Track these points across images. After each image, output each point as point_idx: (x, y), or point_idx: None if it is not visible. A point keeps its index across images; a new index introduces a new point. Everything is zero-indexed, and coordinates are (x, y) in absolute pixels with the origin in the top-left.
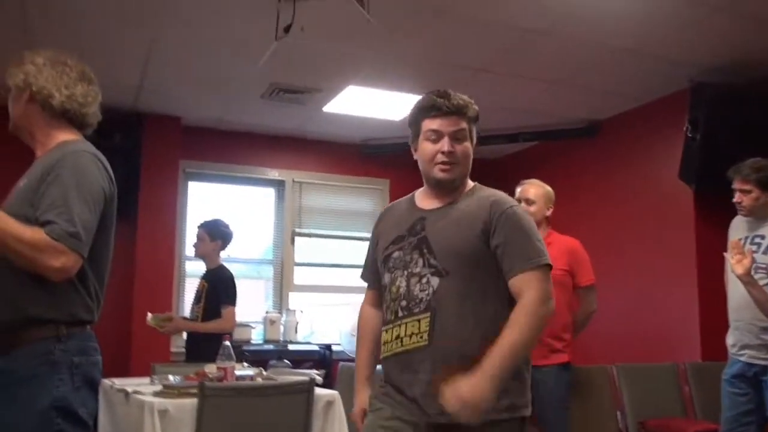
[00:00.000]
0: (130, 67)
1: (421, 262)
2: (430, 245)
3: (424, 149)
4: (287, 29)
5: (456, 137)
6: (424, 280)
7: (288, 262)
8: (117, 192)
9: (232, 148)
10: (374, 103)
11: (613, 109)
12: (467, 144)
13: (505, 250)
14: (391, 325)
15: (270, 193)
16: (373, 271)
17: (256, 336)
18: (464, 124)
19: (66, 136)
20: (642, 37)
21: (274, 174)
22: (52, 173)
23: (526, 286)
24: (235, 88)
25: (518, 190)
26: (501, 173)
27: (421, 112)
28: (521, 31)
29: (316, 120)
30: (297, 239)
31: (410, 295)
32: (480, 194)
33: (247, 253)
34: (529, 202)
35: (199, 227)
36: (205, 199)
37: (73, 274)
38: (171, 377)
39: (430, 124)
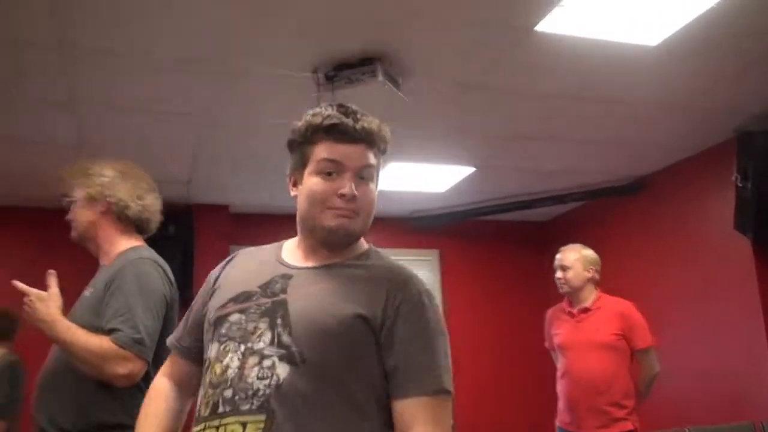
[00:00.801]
0: (181, 163)
1: (269, 336)
2: (287, 315)
3: (313, 186)
4: None
5: (362, 175)
6: (267, 363)
7: None
8: (177, 290)
9: (280, 231)
10: (418, 177)
11: (658, 164)
12: (373, 187)
13: (399, 360)
14: (202, 425)
15: None
16: (190, 333)
17: None
18: (373, 159)
19: (130, 242)
20: (683, 92)
21: None
22: (115, 282)
23: (417, 418)
24: (280, 173)
25: (557, 257)
26: (550, 236)
27: (315, 131)
28: (559, 98)
29: None
30: None
31: (241, 383)
32: (376, 262)
33: None
34: (564, 268)
35: None
36: None
37: (139, 380)
38: None
39: (325, 151)
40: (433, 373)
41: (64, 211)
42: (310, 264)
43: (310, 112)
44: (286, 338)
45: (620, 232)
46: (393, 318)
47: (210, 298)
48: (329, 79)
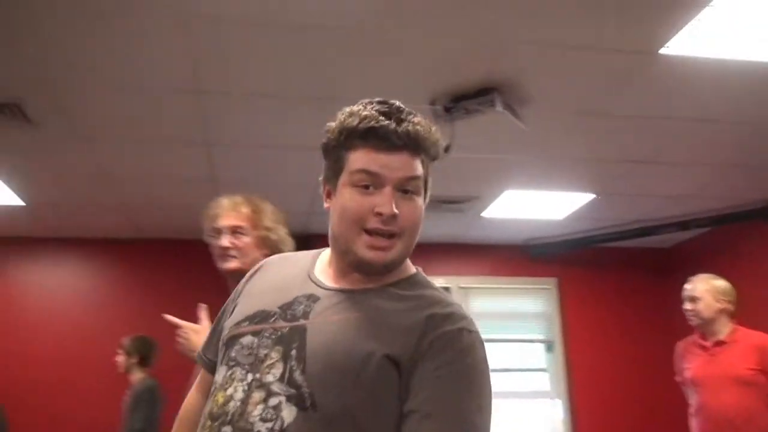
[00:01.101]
0: (302, 195)
1: (280, 369)
2: (304, 347)
3: (346, 202)
4: (447, 149)
5: (405, 188)
6: (273, 402)
7: None
8: None
9: None
10: (534, 204)
11: None
12: (420, 202)
13: (416, 403)
14: None
15: None
16: (216, 344)
17: None
18: (420, 169)
19: None
20: None
21: (439, 281)
22: None
23: None
24: None
25: (686, 287)
26: (674, 263)
27: (350, 136)
28: (683, 121)
29: (477, 225)
30: None
31: (242, 421)
32: (419, 292)
33: None
34: (694, 300)
35: None
36: None
37: None
38: None
39: (362, 160)
40: (456, 427)
41: (200, 242)
42: (342, 285)
43: (347, 110)
44: (298, 376)
45: (751, 259)
46: (425, 354)
47: (231, 313)
48: (447, 110)
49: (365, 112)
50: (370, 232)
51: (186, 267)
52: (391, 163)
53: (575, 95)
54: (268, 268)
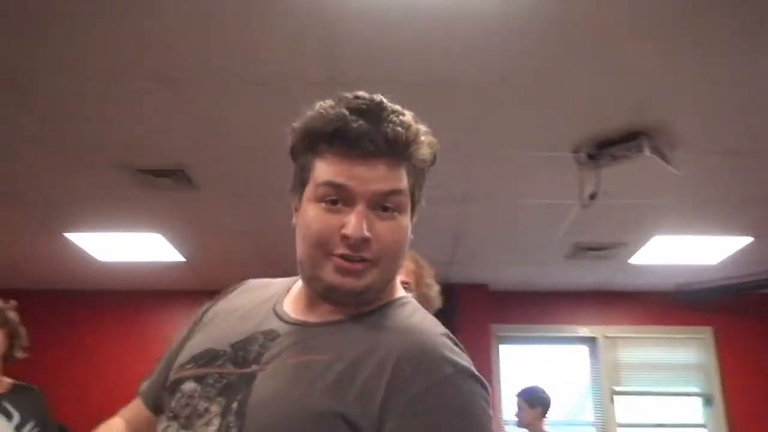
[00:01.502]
0: (443, 245)
1: (215, 427)
2: (246, 402)
3: (309, 220)
4: (593, 197)
5: (384, 205)
6: None
7: (610, 423)
8: None
9: (539, 309)
10: (684, 249)
11: None
12: (402, 222)
13: None
14: None
15: (583, 350)
16: (158, 383)
17: None
18: (404, 181)
19: None
20: None
21: (584, 331)
22: None
23: None
24: (538, 252)
25: None
26: None
27: (316, 139)
28: None
29: (623, 273)
30: (616, 398)
31: None
32: (394, 323)
33: (566, 415)
34: None
35: (517, 396)
36: (517, 362)
37: None
38: None
39: (327, 171)
40: None
41: None
42: (307, 318)
43: (317, 106)
44: None
45: None
46: (392, 416)
47: (182, 346)
48: (592, 158)
49: (333, 111)
50: (337, 256)
51: None
52: (364, 174)
53: (727, 135)
54: (244, 291)
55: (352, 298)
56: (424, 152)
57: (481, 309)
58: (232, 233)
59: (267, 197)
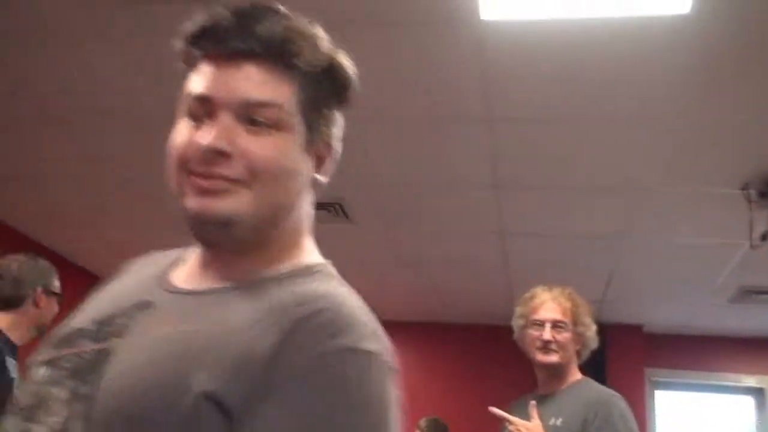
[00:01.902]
0: (594, 283)
1: (58, 417)
2: (99, 382)
3: (173, 136)
4: (765, 237)
5: (251, 117)
6: None
7: None
8: None
9: (699, 354)
10: None
11: None
12: (281, 139)
13: None
14: None
15: (748, 402)
16: None
17: None
18: (282, 89)
19: (577, 374)
20: None
21: (750, 381)
22: (599, 418)
23: None
24: (699, 294)
25: None
26: None
27: (188, 44)
28: None
29: None
30: None
31: None
32: (291, 290)
33: None
34: None
35: None
36: (675, 410)
37: None
38: None
39: (193, 81)
40: None
41: (491, 327)
42: (193, 286)
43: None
44: (77, 426)
45: None
46: (266, 394)
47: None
48: (763, 195)
49: (209, 11)
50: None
51: (471, 350)
52: (230, 81)
53: None
54: (142, 265)
55: (219, 230)
56: (314, 55)
57: (634, 351)
58: (383, 264)
59: (422, 230)
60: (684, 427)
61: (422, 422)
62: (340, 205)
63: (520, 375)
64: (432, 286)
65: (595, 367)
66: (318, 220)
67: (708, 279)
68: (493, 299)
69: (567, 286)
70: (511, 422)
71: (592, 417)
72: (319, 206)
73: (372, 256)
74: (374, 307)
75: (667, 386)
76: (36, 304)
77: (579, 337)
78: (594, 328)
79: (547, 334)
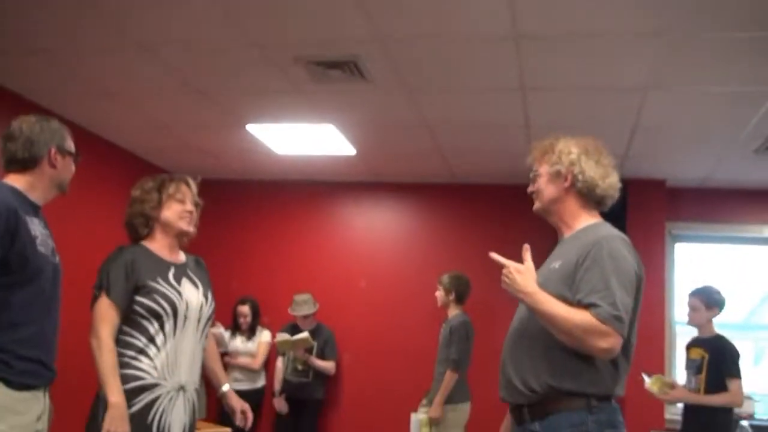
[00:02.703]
0: (617, 138)
1: None
2: None
3: None
4: None
5: None
6: None
7: None
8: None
9: (721, 207)
10: None
11: None
12: None
13: None
14: None
15: (766, 252)
16: None
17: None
18: None
19: (592, 218)
20: None
21: None
22: (588, 258)
23: None
24: (725, 146)
25: None
26: None
27: None
28: None
29: None
30: None
31: None
32: None
33: (743, 317)
34: None
35: (691, 295)
36: (692, 261)
37: (615, 354)
38: None
39: None
40: None
41: (511, 186)
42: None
43: None
44: None
45: None
46: None
47: None
48: None
49: None
50: None
51: (497, 210)
52: None
53: None
54: None
55: None
56: None
57: (656, 205)
58: (400, 125)
59: (444, 89)
60: (705, 279)
61: (444, 277)
62: (355, 63)
63: (541, 231)
64: (451, 147)
65: (616, 221)
66: (333, 81)
67: (734, 130)
68: (514, 158)
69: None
70: (505, 266)
71: (583, 257)
72: (334, 65)
73: (389, 116)
74: (393, 170)
75: (688, 239)
76: (52, 164)
77: (575, 182)
78: (600, 173)
79: (530, 185)
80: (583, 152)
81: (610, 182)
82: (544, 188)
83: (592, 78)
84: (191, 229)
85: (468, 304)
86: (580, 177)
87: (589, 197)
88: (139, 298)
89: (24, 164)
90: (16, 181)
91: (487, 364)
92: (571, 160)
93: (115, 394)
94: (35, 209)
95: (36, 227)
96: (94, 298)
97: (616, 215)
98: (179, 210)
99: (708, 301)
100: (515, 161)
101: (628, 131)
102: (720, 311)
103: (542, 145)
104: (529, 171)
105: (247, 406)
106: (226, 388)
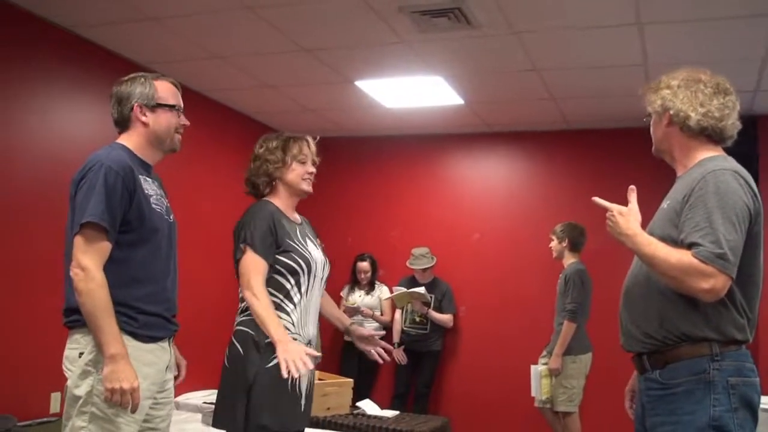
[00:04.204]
0: (746, 71)
1: None
2: None
3: None
4: None
5: None
6: None
7: None
8: (761, 201)
9: None
10: None
11: None
12: None
13: None
14: None
15: None
16: None
17: None
18: None
19: (706, 153)
20: None
21: None
22: (693, 195)
23: None
24: None
25: None
26: None
27: None
28: None
29: None
30: None
31: None
32: None
33: None
34: None
35: None
36: None
37: (723, 295)
38: None
39: None
40: None
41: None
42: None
43: None
44: None
45: None
46: None
47: None
48: None
49: None
50: None
51: (614, 155)
52: None
53: None
54: None
55: None
56: None
57: None
58: (510, 72)
59: (553, 28)
60: None
61: (557, 228)
62: (460, 9)
63: (659, 173)
64: (563, 91)
65: (746, 161)
66: (439, 29)
67: None
68: (630, 100)
69: (714, 72)
70: (608, 209)
71: (689, 194)
72: (438, 13)
73: (498, 63)
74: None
75: None
76: (140, 121)
77: (670, 118)
78: (694, 103)
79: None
80: (681, 84)
81: (706, 110)
82: (653, 130)
83: (713, 7)
84: (311, 190)
85: (585, 253)
86: (673, 112)
87: (691, 131)
88: (278, 256)
89: (121, 125)
90: (124, 141)
91: (607, 313)
92: (663, 97)
93: (280, 334)
94: (147, 168)
95: (150, 186)
96: (240, 253)
97: (747, 154)
98: (302, 171)
99: None
100: (632, 103)
101: (759, 62)
102: None
103: (649, 85)
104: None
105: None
106: (350, 323)
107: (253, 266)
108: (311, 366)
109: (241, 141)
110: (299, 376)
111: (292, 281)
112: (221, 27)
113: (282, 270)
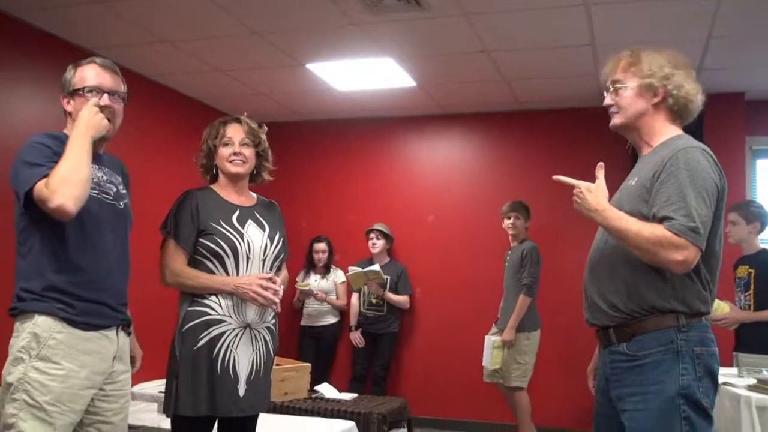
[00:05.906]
0: (690, 49)
1: None
2: None
3: None
4: None
5: None
6: None
7: None
8: (725, 179)
9: None
10: None
11: None
12: None
13: None
14: None
15: None
16: None
17: None
18: None
19: (672, 131)
20: None
21: None
22: (664, 171)
23: None
24: None
25: None
26: None
27: None
28: None
29: None
30: None
31: None
32: None
33: None
34: None
35: (730, 211)
36: None
37: (692, 267)
38: (765, 371)
39: None
40: None
41: (576, 110)
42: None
43: None
44: None
45: None
46: None
47: None
48: None
49: None
50: None
51: (566, 135)
52: None
53: None
54: None
55: None
56: None
57: (735, 120)
58: (461, 53)
59: (503, 9)
60: (749, 197)
61: (514, 206)
62: None
63: (609, 152)
64: (514, 72)
65: (692, 136)
66: (389, 10)
67: None
68: (580, 80)
69: (660, 49)
70: (574, 186)
71: (659, 171)
72: None
73: (448, 44)
74: (455, 100)
75: None
76: (67, 111)
77: (647, 91)
78: (688, 80)
79: (607, 98)
80: (676, 66)
81: (686, 92)
82: (631, 102)
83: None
84: (240, 170)
85: (533, 230)
86: (675, 92)
87: (678, 113)
88: (201, 240)
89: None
90: (66, 130)
91: (553, 291)
92: (666, 74)
93: (218, 282)
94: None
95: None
96: (163, 241)
97: (692, 131)
98: (227, 154)
99: (747, 215)
100: (582, 83)
101: (703, 40)
102: (763, 226)
103: (625, 56)
104: (606, 84)
105: None
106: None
107: (171, 254)
108: (276, 287)
109: (193, 127)
110: (236, 356)
111: (216, 263)
112: (170, 10)
113: (205, 252)
